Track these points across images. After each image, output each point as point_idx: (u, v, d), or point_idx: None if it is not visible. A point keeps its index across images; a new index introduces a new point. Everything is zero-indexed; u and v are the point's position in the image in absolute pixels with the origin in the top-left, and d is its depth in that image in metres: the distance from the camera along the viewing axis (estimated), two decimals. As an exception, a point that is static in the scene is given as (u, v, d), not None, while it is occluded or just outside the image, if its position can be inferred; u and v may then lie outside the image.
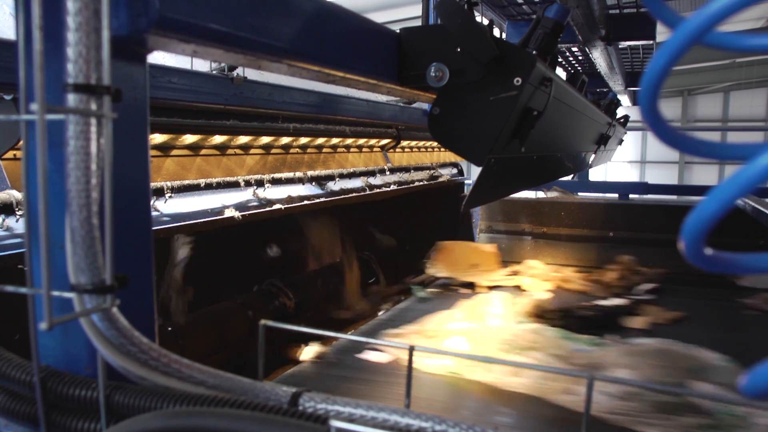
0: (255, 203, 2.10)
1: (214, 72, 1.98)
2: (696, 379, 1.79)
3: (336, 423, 0.62)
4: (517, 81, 1.31)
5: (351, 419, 0.68)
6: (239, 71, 2.02)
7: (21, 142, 1.07)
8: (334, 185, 2.62)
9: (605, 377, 1.77)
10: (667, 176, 16.21)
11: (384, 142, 3.27)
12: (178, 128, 1.88)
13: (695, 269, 0.52)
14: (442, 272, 2.99)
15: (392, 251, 3.70)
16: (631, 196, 6.16)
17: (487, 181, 1.54)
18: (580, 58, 4.91)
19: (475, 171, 1.59)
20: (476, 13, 2.14)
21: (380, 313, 2.64)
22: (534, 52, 1.53)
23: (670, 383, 1.71)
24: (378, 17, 2.89)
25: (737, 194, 0.45)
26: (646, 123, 0.53)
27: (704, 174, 16.17)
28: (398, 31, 1.38)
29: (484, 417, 1.60)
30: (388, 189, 3.02)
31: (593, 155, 3.74)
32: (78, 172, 0.67)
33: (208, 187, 1.95)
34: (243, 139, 2.22)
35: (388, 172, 3.16)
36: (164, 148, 1.94)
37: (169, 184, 1.80)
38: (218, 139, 2.09)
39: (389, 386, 1.76)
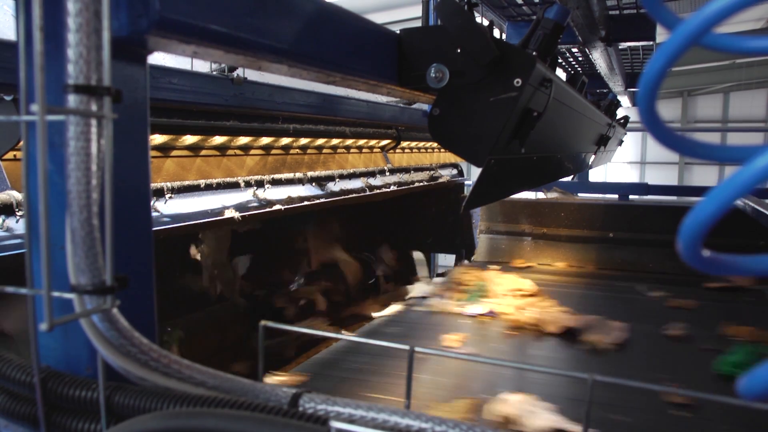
0: (255, 204, 2.10)
1: (214, 73, 1.98)
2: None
3: (336, 424, 0.62)
4: (517, 82, 1.31)
5: (351, 420, 0.68)
6: (239, 72, 2.02)
7: (21, 143, 1.07)
8: (334, 186, 2.62)
9: (606, 378, 1.76)
10: (667, 177, 16.21)
11: (384, 142, 3.27)
12: (178, 129, 1.89)
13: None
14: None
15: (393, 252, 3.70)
16: (631, 197, 6.16)
17: (487, 182, 1.54)
18: (580, 58, 4.90)
19: (475, 171, 1.59)
20: (476, 14, 2.14)
21: (380, 314, 2.64)
22: (534, 53, 1.53)
23: (672, 384, 1.71)
24: (378, 18, 2.89)
25: (734, 196, 0.46)
26: (644, 124, 0.53)
27: (704, 175, 16.17)
28: (398, 32, 1.38)
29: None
30: (388, 190, 3.02)
31: (593, 156, 3.74)
32: (78, 173, 0.67)
33: (209, 187, 1.95)
34: (243, 140, 2.22)
35: (388, 173, 3.17)
36: (164, 149, 1.95)
37: (169, 184, 1.80)
38: (218, 139, 2.10)
39: (389, 386, 1.76)
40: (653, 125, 0.53)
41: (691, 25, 0.46)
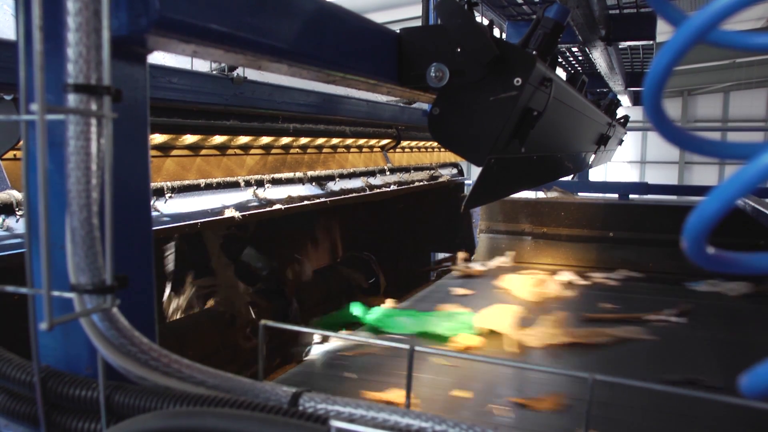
0: (255, 203, 2.10)
1: (214, 72, 1.98)
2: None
3: (336, 423, 0.62)
4: (517, 81, 1.31)
5: (351, 419, 0.68)
6: (239, 71, 2.02)
7: (21, 142, 1.07)
8: (334, 185, 2.62)
9: (606, 377, 1.76)
10: (667, 176, 16.21)
11: (384, 142, 3.27)
12: (178, 128, 1.88)
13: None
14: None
15: (392, 252, 3.69)
16: (631, 196, 6.16)
17: (487, 181, 1.54)
18: (580, 58, 4.91)
19: (475, 171, 1.59)
20: (476, 14, 2.14)
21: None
22: (534, 52, 1.53)
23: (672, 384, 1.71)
24: (378, 17, 2.89)
25: (739, 193, 0.45)
26: (651, 121, 0.53)
27: (704, 174, 16.18)
28: (398, 31, 1.38)
29: (484, 417, 1.60)
30: (388, 189, 3.02)
31: (593, 155, 3.74)
32: (78, 173, 0.67)
33: (209, 187, 1.95)
34: (243, 140, 2.22)
35: (388, 173, 3.16)
36: (164, 148, 1.94)
37: (169, 184, 1.80)
38: (218, 139, 2.09)
39: (389, 386, 1.76)
40: (660, 122, 0.53)
41: (697, 22, 0.46)
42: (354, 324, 2.37)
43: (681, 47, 0.48)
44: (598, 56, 3.99)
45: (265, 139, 2.32)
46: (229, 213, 1.93)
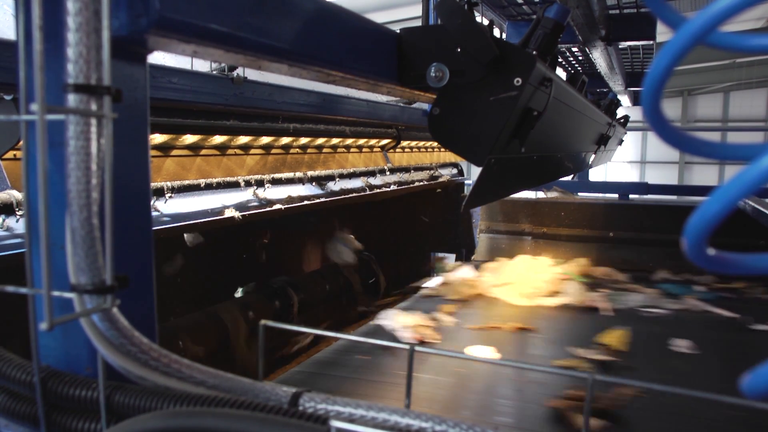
0: (255, 203, 2.10)
1: (214, 72, 1.98)
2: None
3: (336, 423, 0.62)
4: (517, 81, 1.31)
5: (351, 419, 0.68)
6: (239, 71, 2.01)
7: (21, 143, 1.07)
8: (334, 185, 2.62)
9: (606, 377, 1.76)
10: (667, 176, 16.22)
11: (384, 142, 3.27)
12: (178, 128, 1.88)
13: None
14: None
15: (392, 252, 3.69)
16: (631, 196, 6.16)
17: (487, 181, 1.54)
18: (580, 58, 4.91)
19: (475, 171, 1.59)
20: (476, 14, 2.14)
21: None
22: (534, 52, 1.53)
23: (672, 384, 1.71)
24: (378, 17, 2.89)
25: (741, 195, 0.45)
26: (649, 123, 0.53)
27: (704, 174, 16.19)
28: (398, 31, 1.38)
29: (485, 417, 1.60)
30: (388, 189, 3.02)
31: (593, 155, 3.74)
32: (78, 173, 0.67)
33: (209, 187, 1.95)
34: (243, 140, 2.22)
35: (388, 173, 3.16)
36: (164, 148, 1.94)
37: (169, 184, 1.79)
38: (218, 139, 2.09)
39: (389, 386, 1.76)
40: (658, 124, 0.53)
41: (695, 24, 0.46)
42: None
43: (680, 50, 0.48)
44: (598, 56, 3.99)
45: (265, 139, 2.32)
46: (229, 213, 1.93)
